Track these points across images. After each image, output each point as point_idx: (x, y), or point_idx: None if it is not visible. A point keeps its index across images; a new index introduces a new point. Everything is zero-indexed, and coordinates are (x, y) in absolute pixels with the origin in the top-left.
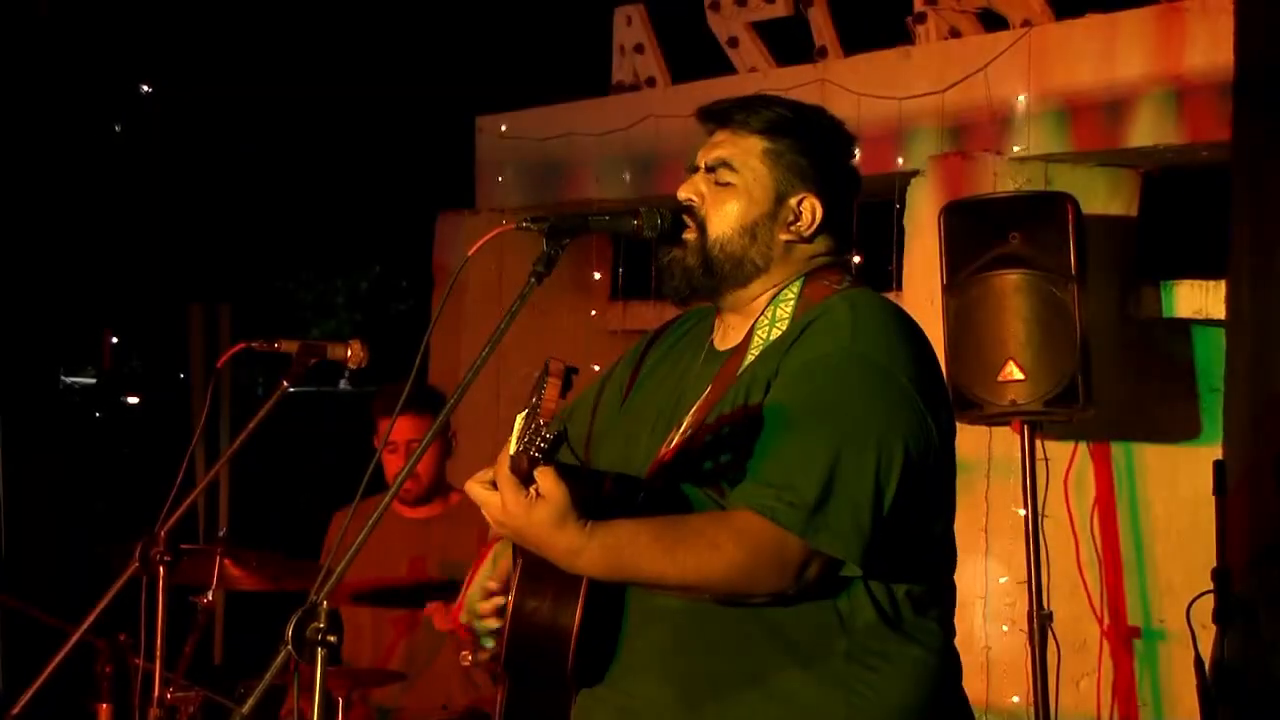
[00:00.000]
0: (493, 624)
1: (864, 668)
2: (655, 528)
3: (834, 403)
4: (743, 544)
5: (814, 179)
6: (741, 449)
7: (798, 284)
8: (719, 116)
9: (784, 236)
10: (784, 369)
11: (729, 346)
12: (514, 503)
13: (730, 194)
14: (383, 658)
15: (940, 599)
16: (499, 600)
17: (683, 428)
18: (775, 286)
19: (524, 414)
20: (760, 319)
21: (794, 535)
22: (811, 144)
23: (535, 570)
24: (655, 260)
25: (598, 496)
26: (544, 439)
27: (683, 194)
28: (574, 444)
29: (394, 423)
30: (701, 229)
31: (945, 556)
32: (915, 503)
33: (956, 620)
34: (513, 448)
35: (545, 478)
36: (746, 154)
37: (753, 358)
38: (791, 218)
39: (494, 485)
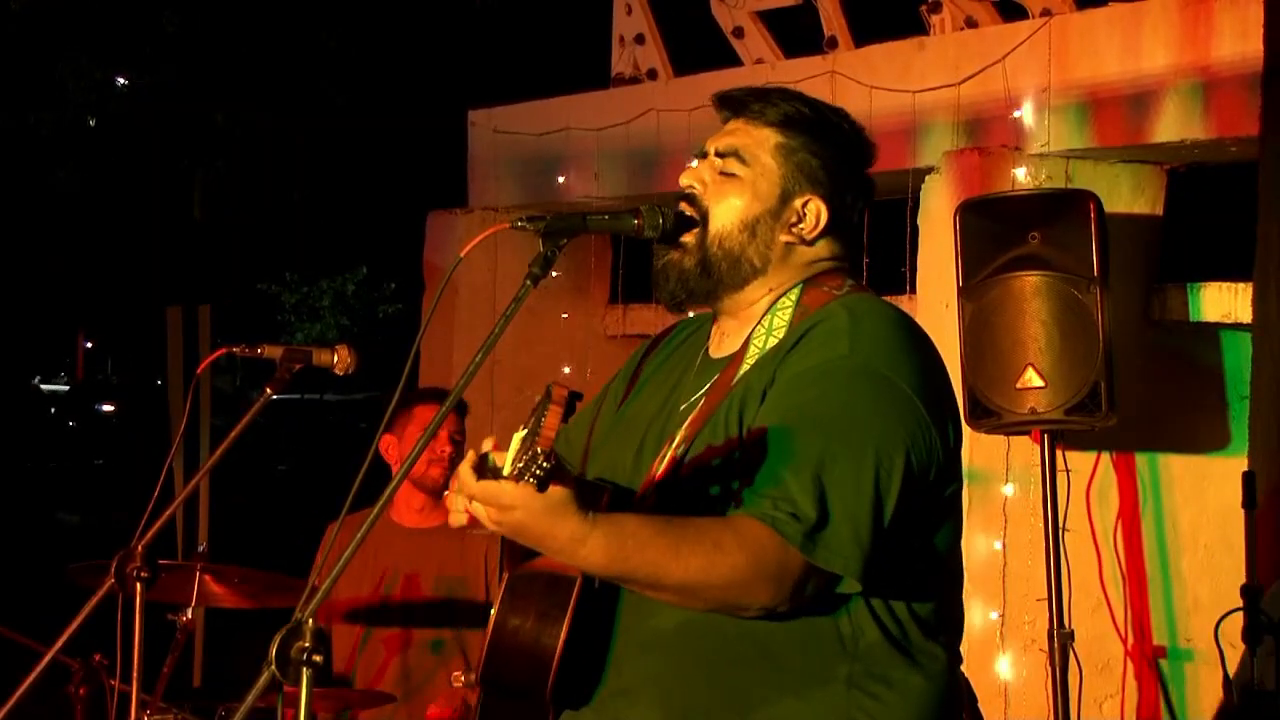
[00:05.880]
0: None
1: (866, 695)
2: (660, 523)
3: (831, 413)
4: (746, 549)
5: (823, 181)
6: (737, 472)
7: (796, 290)
8: (735, 104)
9: (784, 238)
10: (779, 378)
11: (725, 354)
12: (512, 491)
13: (734, 186)
14: (374, 678)
15: (948, 622)
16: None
17: (675, 442)
18: (773, 291)
19: (522, 435)
20: (757, 327)
21: (794, 548)
22: (826, 145)
23: (521, 587)
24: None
25: (595, 509)
26: (541, 467)
27: (685, 180)
28: (572, 457)
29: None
30: (703, 220)
31: (951, 576)
32: (918, 516)
33: (972, 639)
34: (507, 469)
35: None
36: (758, 146)
37: (748, 366)
38: (794, 219)
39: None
